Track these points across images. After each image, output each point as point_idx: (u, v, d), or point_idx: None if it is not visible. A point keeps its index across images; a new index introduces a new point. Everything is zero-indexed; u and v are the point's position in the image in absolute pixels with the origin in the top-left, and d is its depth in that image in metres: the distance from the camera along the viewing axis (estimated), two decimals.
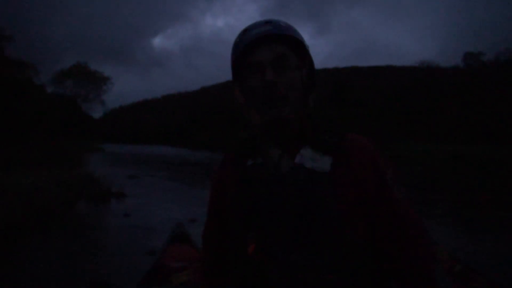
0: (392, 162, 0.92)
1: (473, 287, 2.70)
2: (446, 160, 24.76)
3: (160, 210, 8.60)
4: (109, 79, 52.57)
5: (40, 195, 7.77)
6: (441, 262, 2.98)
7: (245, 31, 0.90)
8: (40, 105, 27.89)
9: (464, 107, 37.33)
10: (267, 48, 0.86)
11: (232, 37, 0.96)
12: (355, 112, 46.72)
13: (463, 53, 51.24)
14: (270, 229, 0.88)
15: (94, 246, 6.02)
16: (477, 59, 48.27)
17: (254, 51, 0.87)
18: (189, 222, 6.58)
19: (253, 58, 0.87)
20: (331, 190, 0.84)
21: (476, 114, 35.25)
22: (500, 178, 16.34)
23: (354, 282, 0.82)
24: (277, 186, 0.88)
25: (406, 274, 0.82)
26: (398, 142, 32.47)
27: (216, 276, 1.08)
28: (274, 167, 0.90)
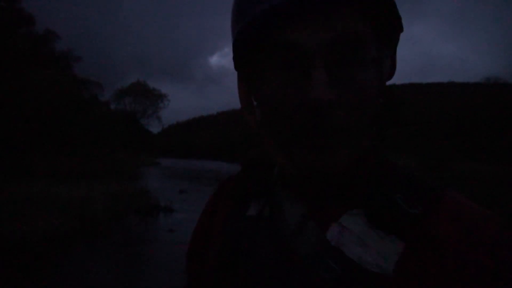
0: None
1: None
2: (507, 182, 22.77)
3: None
4: (166, 96, 55.00)
5: (90, 207, 8.11)
6: None
7: None
8: (103, 120, 29.67)
9: None
10: (317, 21, 0.40)
11: None
12: (411, 131, 44.76)
13: None
14: None
15: (137, 260, 6.14)
16: None
17: (287, 22, 0.41)
18: None
19: (284, 36, 0.41)
20: None
21: None
22: None
23: None
24: (282, 277, 0.46)
25: None
26: (460, 163, 30.50)
27: None
28: (289, 238, 0.48)
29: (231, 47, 0.49)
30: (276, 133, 0.46)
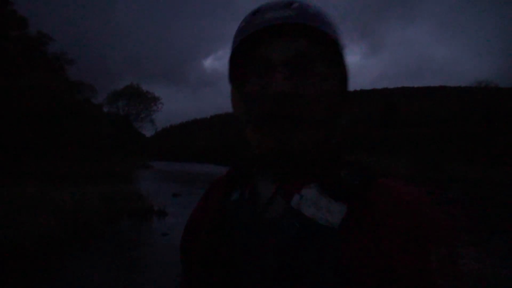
0: (453, 236, 0.54)
1: None
2: (504, 185, 22.98)
3: None
4: (159, 99, 54.88)
5: (83, 211, 8.07)
6: None
7: (256, 12, 0.62)
8: (97, 123, 29.54)
9: None
10: (282, 41, 0.59)
11: None
12: (405, 133, 45.06)
13: None
14: None
15: (131, 264, 6.11)
16: None
17: (263, 42, 0.60)
18: None
19: (261, 52, 0.60)
20: (333, 256, 0.52)
21: None
22: None
23: None
24: (258, 237, 0.59)
25: None
26: (452, 165, 30.74)
27: None
28: (262, 209, 0.62)
29: (227, 56, 0.65)
30: (253, 121, 0.62)
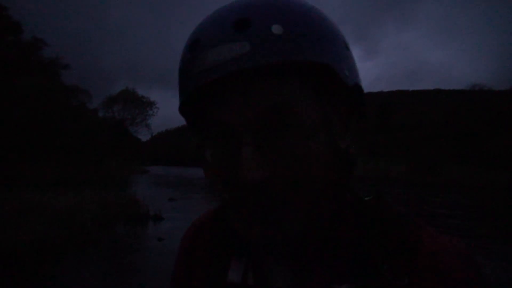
0: None
1: None
2: (499, 187, 23.12)
3: None
4: (155, 103, 54.76)
5: (79, 216, 8.03)
6: None
7: (194, 46, 0.42)
8: (92, 128, 29.45)
9: None
10: (239, 100, 0.40)
11: None
12: (400, 136, 45.26)
13: None
14: None
15: (126, 269, 6.08)
16: None
17: (214, 99, 0.42)
18: None
19: (212, 113, 0.42)
20: None
21: None
22: None
23: None
24: None
25: None
26: (447, 168, 30.90)
27: None
28: None
29: None
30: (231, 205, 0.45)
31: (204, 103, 0.43)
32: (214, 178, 0.45)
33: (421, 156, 33.53)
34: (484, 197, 19.65)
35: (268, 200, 0.41)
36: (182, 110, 0.47)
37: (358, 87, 0.46)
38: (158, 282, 5.35)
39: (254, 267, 0.50)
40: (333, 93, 0.44)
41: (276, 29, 0.38)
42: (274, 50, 0.37)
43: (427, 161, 31.06)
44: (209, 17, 0.43)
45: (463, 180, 26.47)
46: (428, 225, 0.47)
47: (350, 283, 0.43)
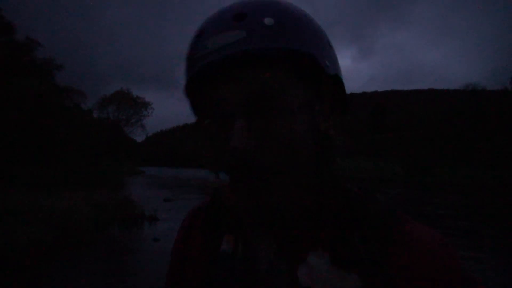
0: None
1: None
2: (492, 186, 23.30)
3: None
4: (150, 104, 54.64)
5: (74, 217, 8.00)
6: None
7: (199, 35, 0.49)
8: (86, 129, 29.32)
9: None
10: (234, 80, 0.46)
11: None
12: (394, 136, 45.45)
13: (511, 75, 49.08)
14: None
15: (122, 270, 6.08)
16: None
17: (213, 80, 0.48)
18: None
19: (211, 92, 0.48)
20: None
21: None
22: None
23: None
24: None
25: None
26: (441, 167, 31.07)
27: None
28: (261, 276, 0.53)
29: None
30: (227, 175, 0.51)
31: (204, 83, 0.49)
32: (214, 149, 0.50)
33: (415, 157, 33.70)
34: (483, 197, 19.81)
35: (257, 168, 0.46)
36: (186, 91, 0.52)
37: (338, 78, 0.52)
38: (154, 282, 5.35)
39: (244, 239, 0.56)
40: (316, 80, 0.50)
41: (267, 21, 0.45)
42: (266, 38, 0.44)
43: (422, 162, 31.22)
44: (213, 13, 0.50)
45: (457, 180, 26.64)
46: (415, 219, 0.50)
47: (324, 249, 0.50)
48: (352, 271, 0.47)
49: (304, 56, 0.47)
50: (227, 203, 0.57)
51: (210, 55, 0.46)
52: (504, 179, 24.68)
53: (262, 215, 0.51)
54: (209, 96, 0.48)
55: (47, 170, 17.63)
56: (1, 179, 13.64)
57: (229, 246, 0.57)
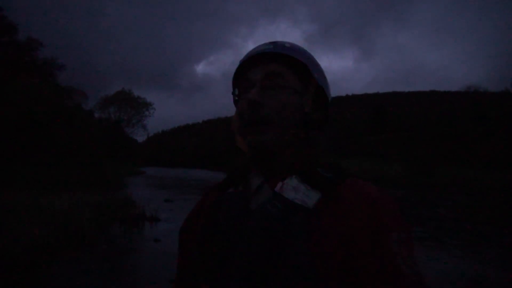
0: (408, 224, 0.67)
1: None
2: (494, 189, 23.23)
3: None
4: (151, 104, 54.68)
5: (74, 218, 7.99)
6: None
7: (250, 51, 0.84)
8: (87, 129, 29.34)
9: None
10: (260, 66, 0.79)
11: None
12: (395, 138, 45.35)
13: None
14: (226, 270, 0.70)
15: (122, 270, 6.06)
16: None
17: (249, 68, 0.80)
18: None
19: (246, 75, 0.80)
20: (308, 230, 0.65)
21: None
22: None
23: None
24: (248, 218, 0.72)
25: None
26: (442, 169, 30.98)
27: None
28: (251, 197, 0.77)
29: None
30: (240, 125, 0.80)
31: (244, 71, 0.82)
32: (239, 107, 0.79)
33: (416, 158, 33.61)
34: (485, 198, 19.76)
35: (260, 114, 0.74)
36: (234, 78, 0.86)
37: (322, 89, 0.82)
38: (155, 282, 5.33)
39: (243, 182, 0.82)
40: (306, 81, 0.80)
41: (287, 44, 0.81)
42: (283, 50, 0.79)
43: (423, 163, 31.13)
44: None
45: (458, 181, 26.57)
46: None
47: (297, 177, 0.74)
48: (314, 189, 0.71)
49: (302, 64, 0.80)
50: (240, 146, 0.82)
51: (251, 53, 0.81)
52: (505, 181, 24.61)
53: (258, 149, 0.75)
54: (245, 77, 0.81)
55: (48, 170, 17.63)
56: (2, 179, 13.63)
57: (232, 189, 0.82)
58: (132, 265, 6.41)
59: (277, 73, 0.77)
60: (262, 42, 0.85)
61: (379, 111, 56.07)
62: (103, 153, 32.84)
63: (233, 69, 0.86)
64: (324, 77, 0.84)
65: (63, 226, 7.47)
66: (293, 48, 0.80)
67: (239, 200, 0.77)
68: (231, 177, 0.85)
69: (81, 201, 9.71)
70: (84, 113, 36.13)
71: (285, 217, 0.68)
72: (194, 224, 0.85)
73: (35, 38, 28.61)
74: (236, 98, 0.85)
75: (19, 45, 26.56)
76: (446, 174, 29.00)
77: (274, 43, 0.80)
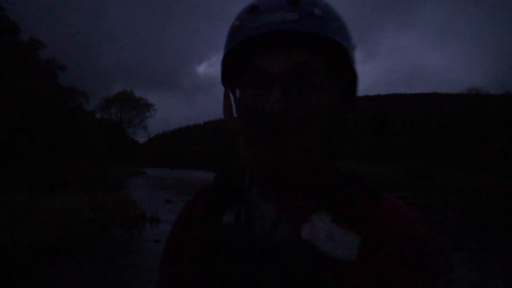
0: (446, 252, 0.56)
1: None
2: (495, 193, 23.19)
3: None
4: (153, 105, 54.74)
5: (75, 218, 7.98)
6: None
7: (253, 11, 0.55)
8: (89, 130, 29.36)
9: None
10: (281, 52, 0.54)
11: None
12: (396, 140, 45.33)
13: None
14: None
15: (123, 271, 6.05)
16: None
17: (259, 51, 0.55)
18: None
19: (256, 62, 0.55)
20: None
21: None
22: None
23: None
24: (261, 268, 0.54)
25: None
26: (444, 171, 30.94)
27: None
28: (265, 236, 0.56)
29: (221, 63, 0.62)
30: (249, 137, 0.57)
31: (248, 52, 0.56)
32: (246, 108, 0.56)
33: (418, 160, 33.58)
34: (487, 201, 19.70)
35: (283, 129, 0.53)
36: (224, 60, 0.60)
37: (356, 78, 0.60)
38: (155, 283, 5.33)
39: (245, 208, 0.60)
40: (341, 73, 0.59)
41: (317, 11, 0.53)
42: (313, 24, 0.52)
43: (424, 165, 31.10)
44: None
45: (460, 184, 26.53)
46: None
47: (327, 211, 0.56)
48: (352, 229, 0.53)
49: (341, 49, 0.56)
50: (243, 154, 0.60)
51: (265, 27, 0.52)
52: (506, 184, 24.56)
53: (277, 170, 0.55)
54: (252, 63, 0.56)
55: (49, 171, 17.64)
56: (2, 179, 13.65)
57: (232, 217, 0.60)
58: (133, 265, 6.40)
59: (307, 66, 0.54)
60: None
61: (380, 113, 56.06)
62: (104, 153, 32.85)
63: None
64: (353, 54, 0.60)
65: (63, 227, 7.46)
66: (329, 20, 0.54)
67: (246, 239, 0.57)
68: (224, 193, 0.64)
69: (81, 202, 9.70)
70: (86, 114, 36.19)
71: (319, 275, 0.51)
72: (181, 260, 0.64)
73: (37, 38, 28.71)
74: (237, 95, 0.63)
75: (21, 45, 26.63)
76: (447, 176, 28.95)
77: (299, 9, 0.53)
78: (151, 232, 9.07)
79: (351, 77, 0.60)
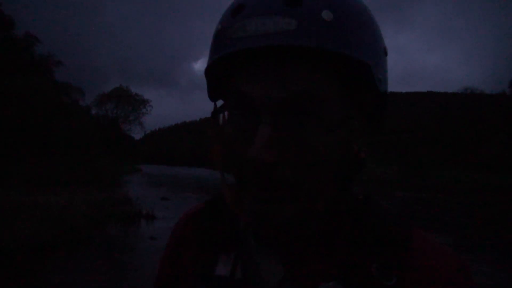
0: None
1: None
2: (491, 190, 23.37)
3: None
4: (149, 102, 54.51)
5: (70, 215, 7.98)
6: None
7: (238, 12, 0.41)
8: (84, 126, 29.24)
9: (510, 136, 35.46)
10: (274, 76, 0.39)
11: None
12: (392, 139, 45.53)
13: (510, 79, 49.32)
14: None
15: (118, 268, 6.07)
16: None
17: (246, 71, 0.41)
18: None
19: (242, 86, 0.41)
20: None
21: None
22: None
23: None
24: None
25: None
26: (440, 170, 31.14)
27: None
28: None
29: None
30: (231, 170, 0.45)
31: (232, 70, 0.43)
32: (228, 152, 0.44)
33: (414, 159, 33.76)
34: (483, 200, 19.85)
35: (273, 183, 0.40)
36: (208, 72, 0.45)
37: (385, 95, 0.46)
38: (150, 281, 5.35)
39: (243, 260, 0.49)
40: (362, 94, 0.44)
41: (326, 14, 0.37)
42: (320, 36, 0.37)
43: (420, 164, 31.28)
44: None
45: (455, 183, 26.71)
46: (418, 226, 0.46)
47: (338, 280, 0.43)
48: None
49: (360, 65, 0.40)
50: (226, 197, 0.46)
51: (249, 40, 0.38)
52: (503, 182, 24.76)
53: (270, 227, 0.44)
54: (235, 86, 0.42)
55: (44, 167, 17.58)
56: None
57: (226, 268, 0.49)
58: (128, 262, 6.42)
59: (310, 93, 0.39)
60: None
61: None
62: (100, 150, 32.74)
63: None
64: (386, 68, 0.46)
65: (59, 224, 7.46)
66: (344, 27, 0.38)
67: None
68: (216, 229, 0.53)
69: (77, 199, 9.70)
70: (81, 110, 36.05)
71: None
72: (176, 263, 0.58)
73: (33, 34, 28.53)
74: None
75: (16, 41, 26.44)
76: (440, 176, 29.14)
77: (295, 9, 0.37)
78: (146, 230, 9.09)
79: (377, 98, 0.45)
